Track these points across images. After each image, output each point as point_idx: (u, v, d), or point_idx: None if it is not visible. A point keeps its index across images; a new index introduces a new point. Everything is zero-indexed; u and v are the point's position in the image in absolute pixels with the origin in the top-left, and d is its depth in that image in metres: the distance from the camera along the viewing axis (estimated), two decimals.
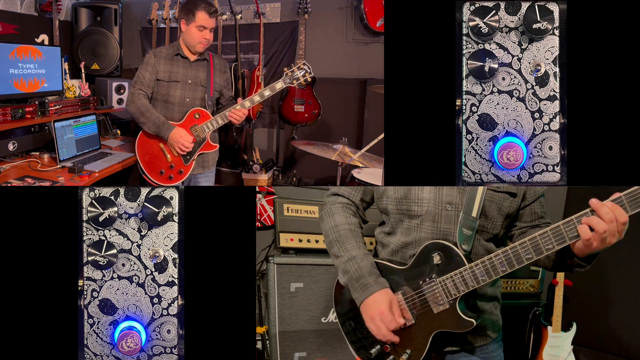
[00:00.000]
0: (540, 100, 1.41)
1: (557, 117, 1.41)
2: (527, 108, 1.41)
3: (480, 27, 1.40)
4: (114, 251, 1.49)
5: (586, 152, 1.43)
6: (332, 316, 2.40)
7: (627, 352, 2.83)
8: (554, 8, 1.38)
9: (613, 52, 1.42)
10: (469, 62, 1.41)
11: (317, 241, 2.52)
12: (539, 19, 1.37)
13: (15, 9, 3.08)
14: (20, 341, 1.53)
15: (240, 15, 3.63)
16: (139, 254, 1.49)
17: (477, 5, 1.40)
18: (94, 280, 1.50)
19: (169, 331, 1.51)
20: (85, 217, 1.49)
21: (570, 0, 1.38)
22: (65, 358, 1.52)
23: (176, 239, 1.50)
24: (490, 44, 1.41)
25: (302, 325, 2.36)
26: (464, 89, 1.42)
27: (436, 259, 1.37)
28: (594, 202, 1.20)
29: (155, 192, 1.50)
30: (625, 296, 2.86)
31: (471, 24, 1.40)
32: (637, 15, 1.41)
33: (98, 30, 3.55)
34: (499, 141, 1.42)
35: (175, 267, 1.50)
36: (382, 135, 1.54)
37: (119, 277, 1.50)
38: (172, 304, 1.50)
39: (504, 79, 1.42)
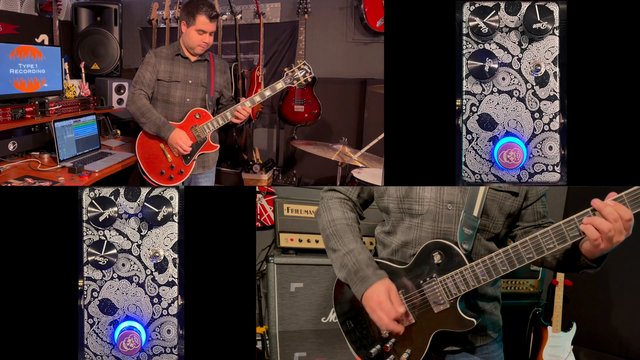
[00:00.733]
0: (540, 100, 1.41)
1: (557, 117, 1.41)
2: (527, 108, 1.41)
3: (480, 27, 1.40)
4: (114, 251, 1.49)
5: (586, 152, 1.43)
6: (332, 316, 2.40)
7: (627, 352, 2.83)
8: (554, 8, 1.38)
9: (613, 52, 1.42)
10: (469, 62, 1.41)
11: (317, 241, 2.52)
12: (539, 19, 1.37)
13: (15, 9, 3.08)
14: (21, 341, 1.53)
15: (240, 15, 3.63)
16: (139, 254, 1.49)
17: (477, 5, 1.40)
18: (94, 280, 1.50)
19: (169, 331, 1.51)
20: (85, 217, 1.49)
21: (570, 0, 1.39)
22: (65, 358, 1.52)
23: (176, 239, 1.50)
24: (490, 44, 1.41)
25: (302, 325, 2.36)
26: (464, 89, 1.42)
27: (437, 258, 1.37)
28: (596, 202, 1.20)
29: (155, 192, 1.50)
30: (625, 296, 2.86)
31: (471, 24, 1.40)
32: (637, 15, 1.41)
33: (98, 30, 3.55)
34: (499, 141, 1.42)
35: (175, 267, 1.50)
36: (382, 135, 1.54)
37: (119, 277, 1.50)
38: (172, 304, 1.50)
39: (504, 79, 1.41)
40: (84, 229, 1.49)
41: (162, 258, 1.49)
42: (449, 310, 1.36)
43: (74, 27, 3.56)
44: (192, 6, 2.46)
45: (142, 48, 4.03)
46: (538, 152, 1.42)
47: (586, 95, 1.42)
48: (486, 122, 1.43)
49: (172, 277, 1.50)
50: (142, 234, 1.49)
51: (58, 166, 2.65)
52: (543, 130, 1.41)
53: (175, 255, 1.50)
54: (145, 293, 1.50)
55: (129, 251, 1.49)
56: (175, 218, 1.49)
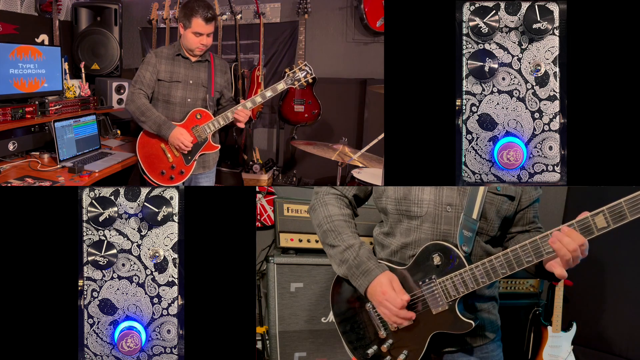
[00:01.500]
0: (540, 100, 1.40)
1: (557, 117, 1.41)
2: (527, 108, 1.41)
3: (480, 27, 1.40)
4: (114, 251, 1.49)
5: (586, 152, 1.43)
6: (332, 316, 2.40)
7: (627, 352, 2.83)
8: (554, 8, 1.38)
9: (613, 52, 1.42)
10: (469, 62, 1.41)
11: (317, 241, 2.52)
12: (539, 19, 1.37)
13: (15, 9, 3.08)
14: (21, 341, 1.53)
15: (240, 15, 3.63)
16: (139, 254, 1.49)
17: (477, 5, 1.40)
18: (94, 280, 1.50)
19: (169, 331, 1.51)
20: (85, 217, 1.49)
21: (570, 0, 1.39)
22: (65, 358, 1.52)
23: (176, 239, 1.50)
24: (490, 44, 1.41)
25: (302, 325, 2.36)
26: (464, 89, 1.42)
27: (436, 260, 1.37)
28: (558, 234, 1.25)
29: (155, 192, 1.50)
30: (625, 296, 2.85)
31: (471, 24, 1.40)
32: (637, 15, 1.41)
33: (98, 30, 3.55)
34: (499, 141, 1.42)
35: (175, 267, 1.50)
36: (382, 135, 1.53)
37: (119, 277, 1.50)
38: (172, 304, 1.50)
39: (504, 79, 1.41)
40: (84, 229, 1.49)
41: (162, 258, 1.49)
42: (448, 312, 1.36)
43: (74, 27, 3.56)
44: (188, 8, 2.43)
45: (142, 48, 4.03)
46: (538, 152, 1.42)
47: (586, 95, 1.42)
48: (486, 122, 1.43)
49: (172, 277, 1.50)
50: (142, 234, 1.49)
51: (58, 166, 2.65)
52: (543, 130, 1.41)
53: (175, 255, 1.50)
54: (145, 293, 1.50)
55: (129, 251, 1.49)
56: (175, 218, 1.49)
